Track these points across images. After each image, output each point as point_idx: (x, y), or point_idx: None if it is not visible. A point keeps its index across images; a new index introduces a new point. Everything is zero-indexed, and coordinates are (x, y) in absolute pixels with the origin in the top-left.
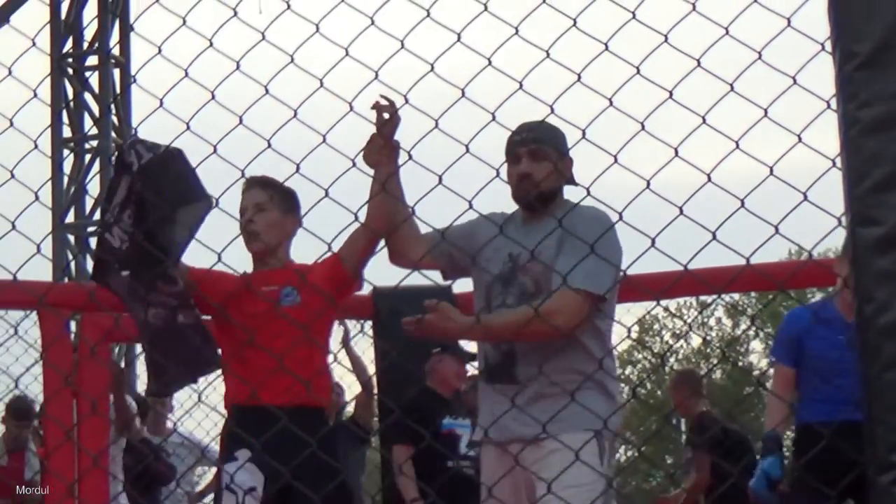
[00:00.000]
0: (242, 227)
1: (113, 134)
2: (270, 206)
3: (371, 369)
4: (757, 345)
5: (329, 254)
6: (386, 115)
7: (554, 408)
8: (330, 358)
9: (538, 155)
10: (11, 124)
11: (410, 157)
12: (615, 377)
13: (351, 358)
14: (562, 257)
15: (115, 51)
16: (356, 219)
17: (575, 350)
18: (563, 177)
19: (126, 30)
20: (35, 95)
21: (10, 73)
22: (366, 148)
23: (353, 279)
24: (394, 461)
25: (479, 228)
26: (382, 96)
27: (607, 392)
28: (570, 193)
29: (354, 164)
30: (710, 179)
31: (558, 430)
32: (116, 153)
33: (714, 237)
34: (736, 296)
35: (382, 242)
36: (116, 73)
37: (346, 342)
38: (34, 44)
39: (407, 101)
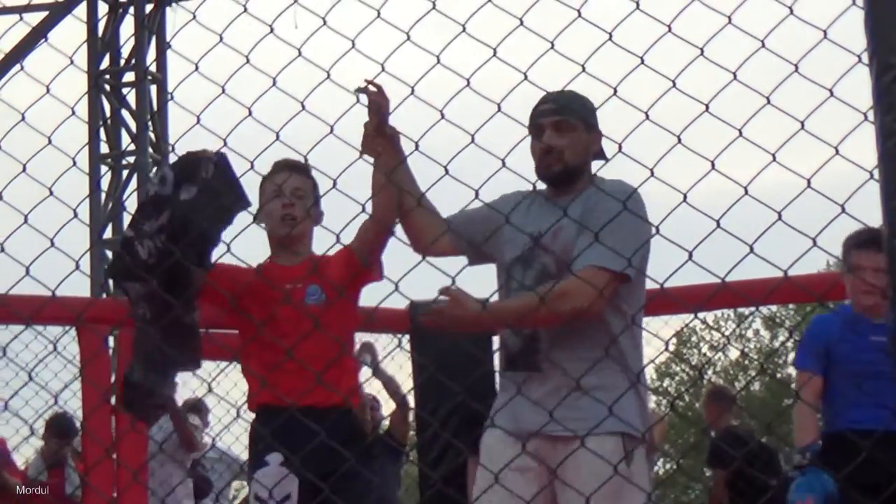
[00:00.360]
0: (275, 209)
1: (150, 150)
2: (308, 194)
3: (409, 384)
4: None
5: (340, 247)
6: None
7: (580, 404)
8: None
9: (563, 127)
10: (50, 142)
11: (447, 172)
12: (645, 382)
13: (382, 380)
14: (582, 237)
15: (152, 67)
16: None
17: (604, 339)
18: (590, 151)
19: (162, 46)
20: (73, 113)
21: (48, 90)
22: (362, 138)
23: (368, 270)
24: (469, 474)
25: (499, 208)
26: (368, 80)
27: (639, 394)
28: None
29: (391, 182)
30: (746, 192)
31: (584, 429)
32: (175, 170)
33: (751, 250)
34: (773, 307)
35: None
36: (153, 89)
37: (375, 365)
38: (72, 62)
39: (443, 117)
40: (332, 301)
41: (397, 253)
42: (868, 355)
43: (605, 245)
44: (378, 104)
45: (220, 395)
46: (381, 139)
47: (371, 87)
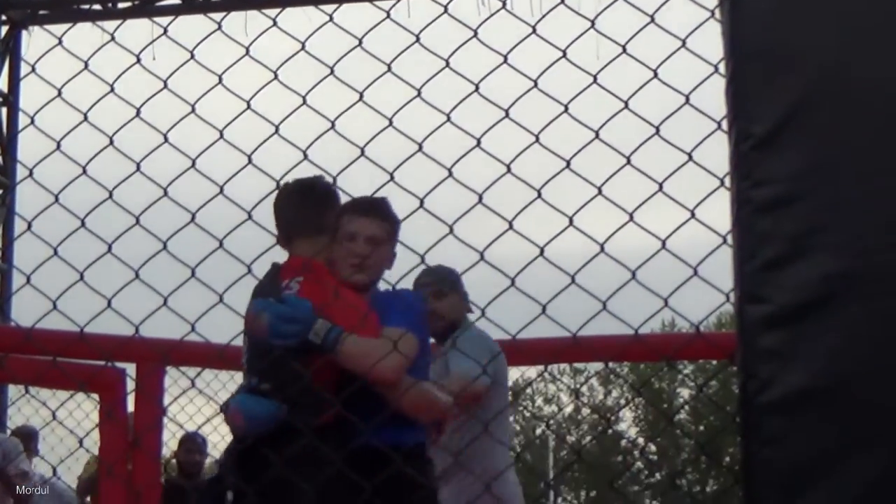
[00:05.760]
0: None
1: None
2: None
3: None
4: (627, 413)
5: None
6: None
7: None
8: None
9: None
10: None
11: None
12: None
13: None
14: None
15: (3, 87)
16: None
17: None
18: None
19: (16, 68)
20: None
21: None
22: None
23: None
24: None
25: None
26: None
27: None
28: None
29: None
30: (602, 250)
31: None
32: None
33: (604, 307)
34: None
35: None
36: (4, 111)
37: None
38: None
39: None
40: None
41: None
42: None
43: None
44: None
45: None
46: None
47: None
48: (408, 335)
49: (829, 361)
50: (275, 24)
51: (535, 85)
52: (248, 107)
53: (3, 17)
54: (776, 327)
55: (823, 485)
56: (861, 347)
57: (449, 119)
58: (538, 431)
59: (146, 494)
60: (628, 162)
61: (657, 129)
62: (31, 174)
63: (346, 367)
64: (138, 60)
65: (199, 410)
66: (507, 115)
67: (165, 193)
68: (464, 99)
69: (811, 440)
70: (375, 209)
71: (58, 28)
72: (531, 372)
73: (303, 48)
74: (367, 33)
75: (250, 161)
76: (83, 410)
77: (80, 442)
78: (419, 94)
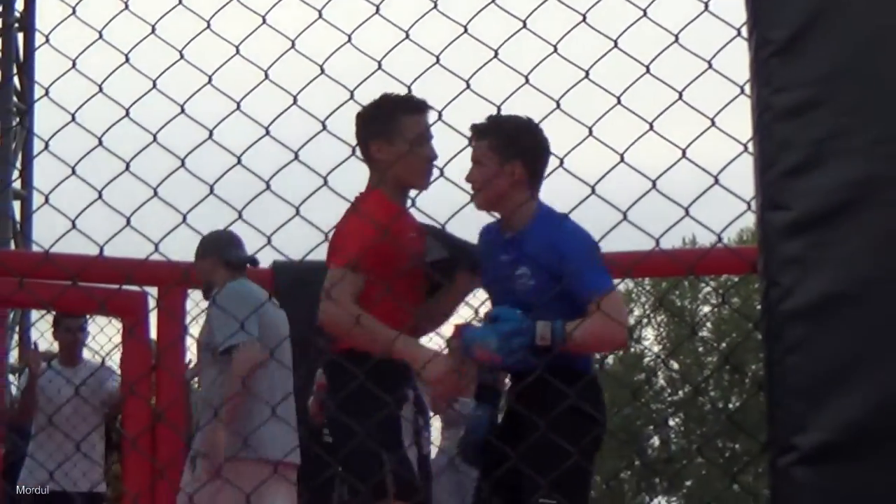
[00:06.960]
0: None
1: (15, 99)
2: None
3: None
4: (650, 332)
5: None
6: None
7: None
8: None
9: None
10: None
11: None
12: None
13: None
14: None
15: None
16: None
17: None
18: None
19: None
20: None
21: None
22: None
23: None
24: None
25: None
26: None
27: None
28: None
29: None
30: (622, 160)
31: None
32: None
33: (625, 217)
34: (630, 284)
35: None
36: (20, 37)
37: None
38: None
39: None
40: None
41: None
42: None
43: None
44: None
45: None
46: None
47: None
48: (616, 295)
49: (852, 267)
50: None
51: None
52: (264, 21)
53: None
54: (798, 234)
55: (847, 390)
56: (883, 253)
57: (466, 31)
58: None
59: (169, 413)
60: (647, 71)
61: (676, 37)
62: (47, 93)
63: (578, 351)
64: None
65: None
66: (524, 26)
67: (182, 111)
68: (480, 10)
69: (834, 347)
70: (478, 131)
71: None
72: None
73: None
74: None
75: (267, 76)
76: (106, 335)
77: (103, 361)
78: (436, 6)
